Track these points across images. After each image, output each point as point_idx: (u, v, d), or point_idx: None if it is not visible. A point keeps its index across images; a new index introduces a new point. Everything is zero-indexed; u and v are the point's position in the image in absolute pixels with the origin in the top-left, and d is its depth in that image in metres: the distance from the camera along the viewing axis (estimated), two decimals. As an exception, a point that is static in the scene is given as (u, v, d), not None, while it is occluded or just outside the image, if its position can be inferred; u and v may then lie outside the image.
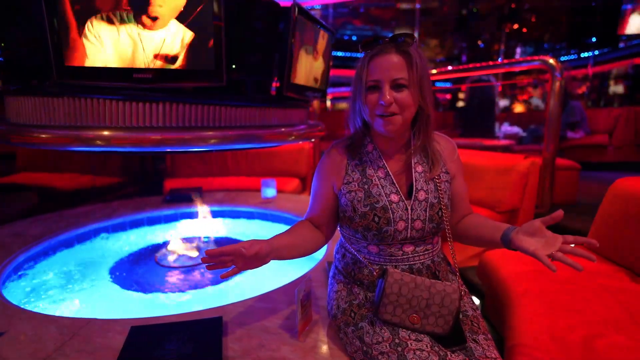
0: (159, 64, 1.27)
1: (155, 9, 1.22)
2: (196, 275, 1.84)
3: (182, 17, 1.25)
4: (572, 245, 0.89)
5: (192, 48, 1.29)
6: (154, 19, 1.22)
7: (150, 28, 1.23)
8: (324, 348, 1.07)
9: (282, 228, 2.52)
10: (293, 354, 1.04)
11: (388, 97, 0.95)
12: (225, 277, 0.97)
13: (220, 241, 2.25)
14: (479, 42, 10.88)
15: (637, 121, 5.10)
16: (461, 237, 1.16)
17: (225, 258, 0.95)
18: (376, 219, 1.01)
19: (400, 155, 1.09)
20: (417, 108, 1.00)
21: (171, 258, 1.99)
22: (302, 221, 1.18)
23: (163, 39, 1.25)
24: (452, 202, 1.14)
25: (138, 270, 1.89)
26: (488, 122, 5.02)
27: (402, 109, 0.97)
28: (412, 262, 1.05)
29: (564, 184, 2.85)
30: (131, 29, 1.22)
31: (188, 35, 1.27)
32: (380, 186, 1.04)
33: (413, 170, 1.06)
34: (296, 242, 1.10)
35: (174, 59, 1.28)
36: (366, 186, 1.05)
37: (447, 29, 10.98)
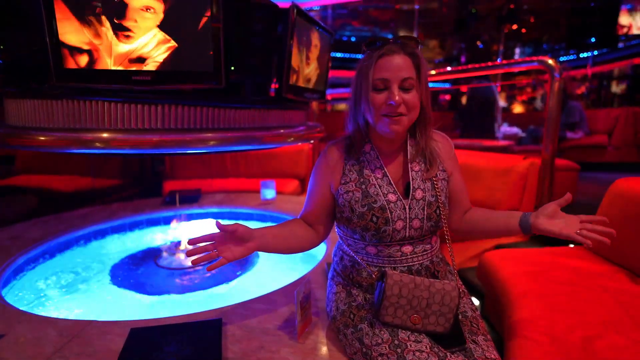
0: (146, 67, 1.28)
1: (130, 27, 1.23)
2: (196, 277, 1.84)
3: (163, 26, 1.27)
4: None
5: (176, 52, 1.29)
6: (127, 36, 1.24)
7: (125, 42, 1.24)
8: (324, 350, 1.07)
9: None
10: (293, 355, 1.04)
11: (398, 97, 0.94)
12: (212, 269, 0.96)
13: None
14: (478, 43, 10.89)
15: (637, 121, 5.10)
16: (470, 232, 1.16)
17: (208, 246, 0.95)
18: (374, 219, 1.01)
19: (397, 155, 1.09)
20: (420, 110, 1.01)
21: (171, 260, 1.99)
22: (294, 218, 1.19)
23: (137, 48, 1.27)
24: (452, 199, 1.14)
25: (137, 272, 1.89)
26: (488, 123, 5.02)
27: (409, 110, 0.97)
28: (410, 264, 1.05)
29: (563, 184, 2.85)
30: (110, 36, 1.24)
31: (169, 41, 1.28)
32: (377, 186, 1.05)
33: (410, 169, 1.06)
34: (285, 234, 1.11)
35: (142, 59, 1.29)
36: (364, 186, 1.05)
37: (446, 30, 10.99)
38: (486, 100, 5.08)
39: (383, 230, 1.01)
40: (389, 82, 0.95)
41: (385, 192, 1.04)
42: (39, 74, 1.34)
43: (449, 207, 1.12)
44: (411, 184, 1.05)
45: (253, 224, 2.56)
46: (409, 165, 1.07)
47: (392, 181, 1.05)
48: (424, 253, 1.07)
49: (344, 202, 1.06)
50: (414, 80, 0.96)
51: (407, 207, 1.03)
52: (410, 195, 1.04)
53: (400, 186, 1.07)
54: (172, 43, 1.28)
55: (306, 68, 1.72)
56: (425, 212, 1.03)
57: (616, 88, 8.68)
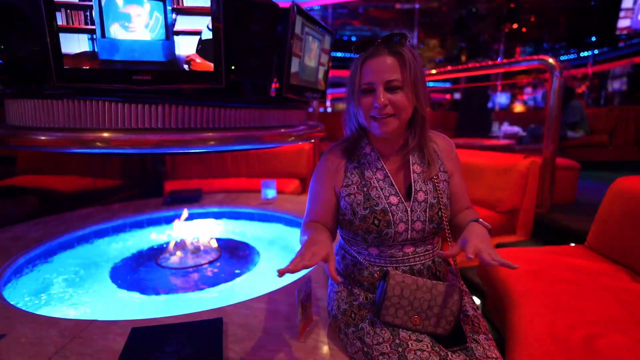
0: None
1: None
2: (197, 276, 1.84)
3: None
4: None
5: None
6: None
7: None
8: (325, 349, 1.07)
9: (282, 229, 2.51)
10: (294, 354, 1.04)
11: (382, 99, 0.94)
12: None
13: (221, 243, 2.25)
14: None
15: (638, 120, 5.09)
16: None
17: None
18: (376, 221, 1.01)
19: (398, 156, 1.08)
20: (413, 109, 1.00)
21: (172, 259, 1.99)
22: (309, 223, 1.15)
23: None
24: (451, 200, 1.13)
25: (139, 272, 1.89)
26: (483, 122, 5.02)
27: (397, 111, 0.96)
28: (412, 263, 1.05)
29: (564, 183, 2.85)
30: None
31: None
32: (379, 188, 1.04)
33: (411, 171, 1.06)
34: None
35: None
36: (365, 189, 1.05)
37: (446, 30, 10.98)
38: (484, 97, 5.07)
39: (385, 232, 1.01)
40: (374, 85, 0.96)
41: (387, 195, 1.03)
42: (39, 74, 1.35)
43: None
44: (413, 186, 1.04)
45: (254, 224, 2.58)
46: (411, 167, 1.06)
47: (393, 182, 1.05)
48: (426, 253, 1.07)
49: (346, 204, 1.06)
50: (400, 81, 0.95)
51: (409, 209, 1.02)
52: (412, 198, 1.03)
53: (402, 188, 1.06)
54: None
55: (306, 68, 1.72)
56: (427, 215, 1.03)
57: (615, 86, 8.66)
